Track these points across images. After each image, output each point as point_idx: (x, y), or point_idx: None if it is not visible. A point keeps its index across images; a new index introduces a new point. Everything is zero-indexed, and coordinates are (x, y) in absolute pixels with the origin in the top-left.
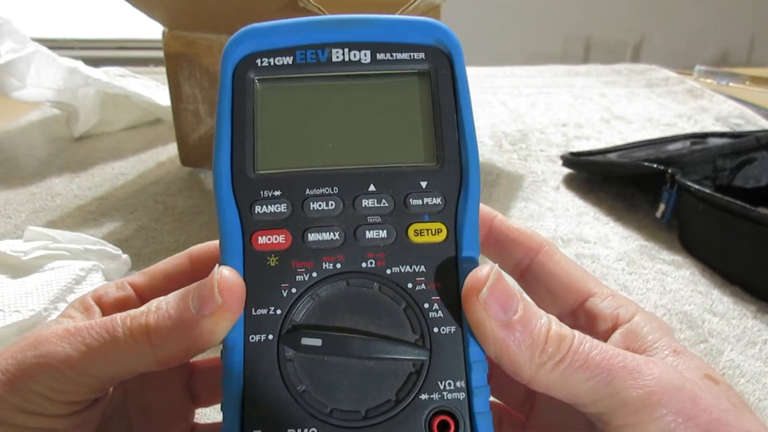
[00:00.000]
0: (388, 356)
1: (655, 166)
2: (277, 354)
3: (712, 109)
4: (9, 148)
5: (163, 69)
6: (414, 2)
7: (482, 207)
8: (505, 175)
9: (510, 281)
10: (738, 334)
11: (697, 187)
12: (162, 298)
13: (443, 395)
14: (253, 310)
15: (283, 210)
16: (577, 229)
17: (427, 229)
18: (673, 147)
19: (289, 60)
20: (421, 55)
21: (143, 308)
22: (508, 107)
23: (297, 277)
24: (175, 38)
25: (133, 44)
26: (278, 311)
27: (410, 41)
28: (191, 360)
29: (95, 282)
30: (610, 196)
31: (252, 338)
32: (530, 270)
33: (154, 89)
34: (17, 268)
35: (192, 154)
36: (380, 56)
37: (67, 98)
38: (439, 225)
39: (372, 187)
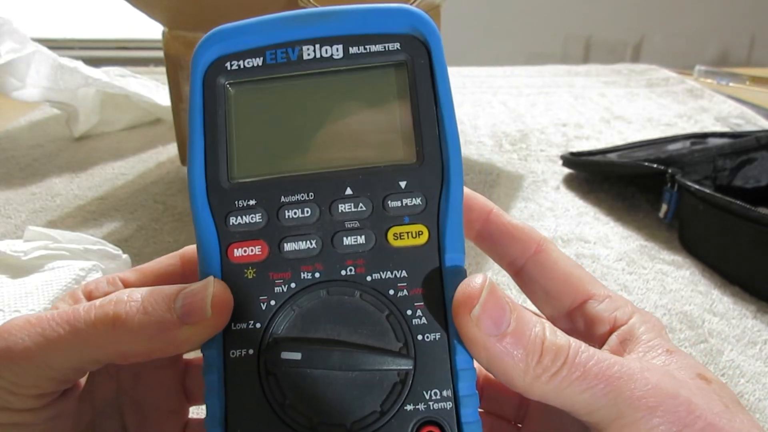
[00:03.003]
0: (370, 368)
1: (655, 166)
2: (258, 369)
3: (712, 109)
4: (9, 148)
5: (163, 69)
6: (414, 2)
7: (478, 199)
8: (505, 175)
9: (508, 283)
10: (738, 334)
11: (697, 187)
12: (136, 289)
13: (429, 405)
14: (233, 324)
15: (258, 220)
16: (577, 229)
17: (407, 232)
18: (673, 147)
19: (258, 61)
20: (396, 45)
21: (111, 297)
22: (508, 107)
23: (275, 288)
24: (175, 38)
25: (133, 44)
26: (257, 325)
27: (384, 31)
28: (185, 357)
29: None
30: (610, 196)
31: (233, 353)
32: (526, 268)
33: (154, 89)
34: (17, 268)
35: None
36: (353, 50)
37: (67, 98)
38: (419, 227)
39: (348, 191)
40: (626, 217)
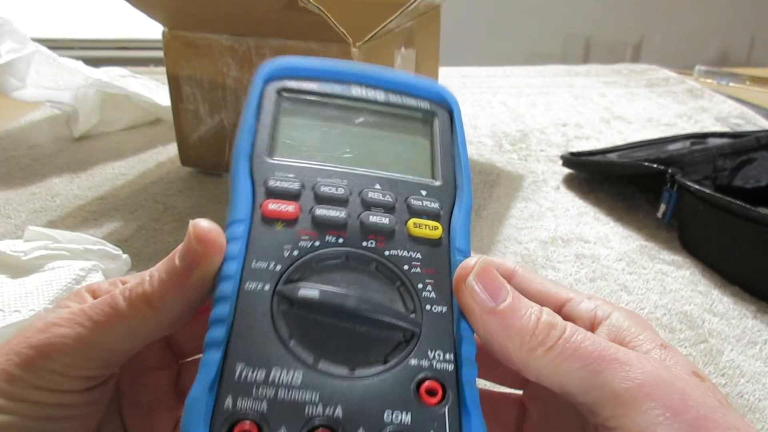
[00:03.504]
0: (381, 318)
1: (655, 166)
2: (271, 303)
3: (712, 109)
4: (9, 148)
5: (163, 69)
6: (414, 2)
7: None
8: (505, 175)
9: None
10: (738, 334)
11: (697, 187)
12: (151, 268)
13: (432, 363)
14: (254, 262)
15: (296, 187)
16: (577, 229)
17: (426, 225)
18: (673, 147)
19: (314, 86)
20: (427, 104)
21: (137, 279)
22: (508, 107)
23: (300, 242)
24: (175, 38)
25: (133, 44)
26: (278, 267)
27: (418, 94)
28: (180, 361)
29: (95, 282)
30: (610, 196)
31: (248, 286)
32: None
33: (154, 89)
34: (17, 268)
35: (192, 154)
36: (393, 98)
37: (67, 98)
38: (436, 224)
39: (378, 186)
40: (626, 217)
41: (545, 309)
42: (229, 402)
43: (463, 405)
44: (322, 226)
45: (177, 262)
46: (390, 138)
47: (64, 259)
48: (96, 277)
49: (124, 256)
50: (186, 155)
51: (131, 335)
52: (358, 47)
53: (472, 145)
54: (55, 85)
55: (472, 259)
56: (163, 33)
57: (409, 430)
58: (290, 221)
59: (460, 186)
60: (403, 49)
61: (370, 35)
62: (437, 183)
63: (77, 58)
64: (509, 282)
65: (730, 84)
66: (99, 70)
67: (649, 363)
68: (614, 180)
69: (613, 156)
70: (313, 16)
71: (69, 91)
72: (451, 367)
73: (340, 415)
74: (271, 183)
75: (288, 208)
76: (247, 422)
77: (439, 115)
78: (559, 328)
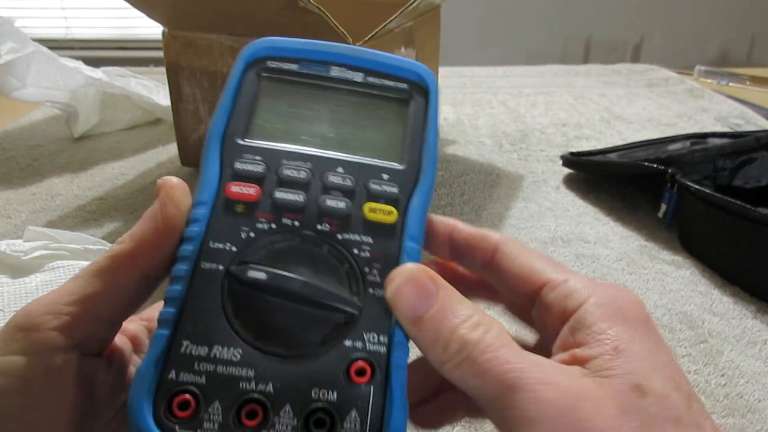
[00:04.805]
0: (323, 300)
1: (655, 166)
2: (222, 283)
3: (712, 109)
4: (9, 148)
5: (163, 69)
6: (414, 2)
7: (441, 219)
8: (505, 175)
9: None
10: (738, 334)
11: (697, 187)
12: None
13: (365, 345)
14: (211, 242)
15: (259, 171)
16: (577, 229)
17: (381, 209)
18: (673, 147)
19: (294, 66)
20: (405, 85)
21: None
22: (508, 107)
23: (257, 225)
24: (175, 38)
25: (133, 44)
26: (233, 248)
27: (398, 74)
28: None
29: None
30: (610, 196)
31: (203, 265)
32: (489, 271)
33: (154, 89)
34: (17, 268)
35: (192, 154)
36: (371, 79)
37: (67, 98)
38: (391, 208)
39: (340, 169)
40: (626, 217)
41: (471, 319)
42: (172, 375)
43: (389, 386)
44: (280, 209)
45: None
46: (363, 120)
47: (64, 259)
48: None
49: None
50: (186, 155)
51: (107, 281)
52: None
53: (472, 145)
54: (55, 85)
55: (407, 265)
56: (163, 33)
57: (333, 407)
58: (251, 203)
59: (423, 170)
60: (403, 49)
61: (370, 35)
62: (401, 167)
63: (77, 58)
64: (490, 259)
65: (730, 84)
66: (99, 70)
67: (548, 391)
68: (614, 180)
69: (613, 156)
70: (313, 16)
71: (69, 91)
72: (383, 349)
73: (271, 392)
74: (237, 165)
75: (249, 190)
76: (187, 395)
77: (415, 97)
78: (470, 345)
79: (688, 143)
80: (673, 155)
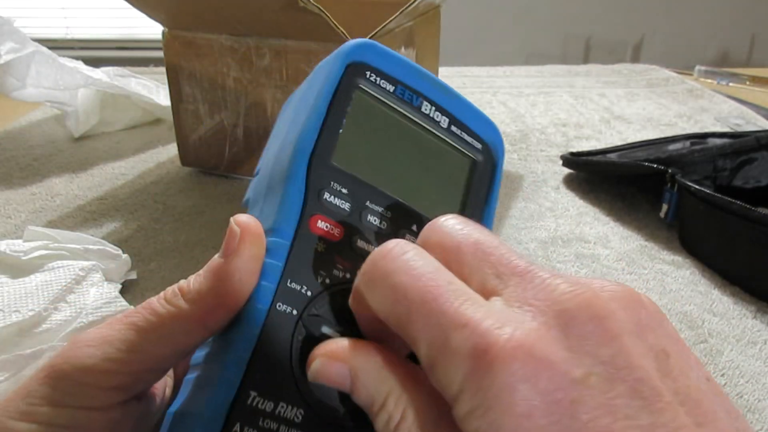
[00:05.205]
0: None
1: (655, 166)
2: (294, 332)
3: (712, 109)
4: (9, 148)
5: (163, 69)
6: (414, 2)
7: None
8: (505, 175)
9: None
10: (738, 334)
11: (697, 187)
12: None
13: None
14: (288, 281)
15: (345, 209)
16: (577, 229)
17: None
18: (673, 147)
19: (390, 88)
20: (479, 146)
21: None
22: (508, 107)
23: (334, 271)
24: (175, 38)
25: (133, 44)
26: (309, 293)
27: (477, 131)
28: None
29: (95, 282)
30: (610, 196)
31: (279, 306)
32: None
33: (154, 89)
34: (17, 268)
35: (192, 154)
36: (454, 129)
37: (67, 98)
38: None
39: (415, 228)
40: (626, 217)
41: (383, 405)
42: (237, 428)
43: None
44: (358, 258)
45: (216, 257)
46: (435, 172)
47: (64, 259)
48: (96, 277)
49: (124, 256)
50: (186, 155)
51: (167, 336)
52: None
53: None
54: (55, 85)
55: (328, 344)
56: (163, 33)
57: None
58: (332, 243)
59: None
60: (403, 49)
61: (370, 35)
62: None
63: (77, 58)
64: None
65: (730, 84)
66: (99, 70)
67: None
68: (614, 180)
69: (613, 156)
70: (313, 16)
71: (69, 91)
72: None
73: None
74: (326, 196)
75: (334, 230)
76: None
77: (485, 163)
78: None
79: (688, 143)
80: (673, 155)
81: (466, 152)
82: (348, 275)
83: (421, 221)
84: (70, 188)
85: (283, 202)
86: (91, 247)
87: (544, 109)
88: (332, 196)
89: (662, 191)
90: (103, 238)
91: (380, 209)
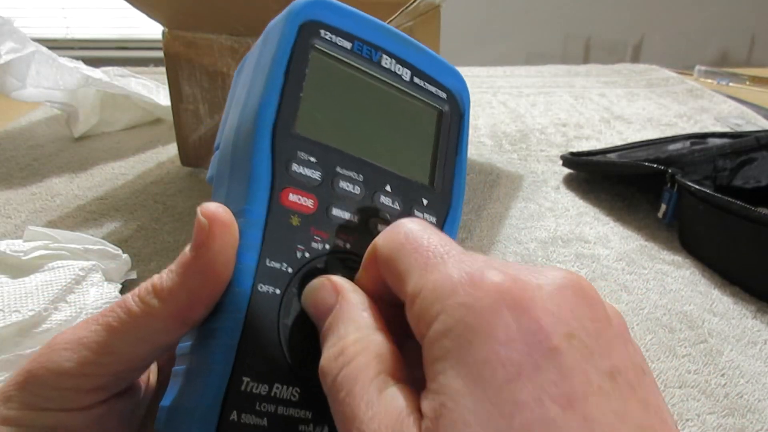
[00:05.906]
0: None
1: (655, 166)
2: (279, 311)
3: (712, 109)
4: (9, 148)
5: (163, 69)
6: (414, 2)
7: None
8: (505, 175)
9: None
10: (738, 334)
11: (697, 187)
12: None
13: None
14: (267, 261)
15: (316, 178)
16: (577, 229)
17: None
18: (673, 147)
19: (347, 45)
20: (444, 95)
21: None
22: (508, 107)
23: (312, 243)
24: (175, 38)
25: (133, 44)
26: (289, 269)
27: (441, 80)
28: None
29: (95, 282)
30: (610, 196)
31: (261, 287)
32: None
33: (154, 89)
34: (17, 268)
35: (192, 154)
36: (416, 80)
37: (67, 98)
38: None
39: (388, 188)
40: (626, 217)
41: (337, 345)
42: (234, 416)
43: None
44: (334, 227)
45: (186, 250)
46: (403, 128)
47: (64, 259)
48: (96, 277)
49: (124, 256)
50: (186, 155)
51: (143, 336)
52: None
53: (472, 145)
54: (55, 85)
55: (321, 278)
56: (163, 33)
57: None
58: (307, 216)
59: (454, 200)
60: None
61: None
62: (436, 192)
63: (77, 58)
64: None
65: (730, 84)
66: (99, 70)
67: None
68: (614, 180)
69: (613, 156)
70: None
71: (69, 91)
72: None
73: None
74: (294, 168)
75: (307, 202)
76: None
77: (451, 113)
78: (329, 377)
79: (688, 143)
80: (673, 155)
81: (432, 103)
82: (327, 246)
83: (394, 180)
84: (70, 188)
85: (251, 179)
86: (91, 247)
87: (544, 109)
88: (301, 167)
89: (662, 191)
90: (103, 238)
91: (351, 174)
